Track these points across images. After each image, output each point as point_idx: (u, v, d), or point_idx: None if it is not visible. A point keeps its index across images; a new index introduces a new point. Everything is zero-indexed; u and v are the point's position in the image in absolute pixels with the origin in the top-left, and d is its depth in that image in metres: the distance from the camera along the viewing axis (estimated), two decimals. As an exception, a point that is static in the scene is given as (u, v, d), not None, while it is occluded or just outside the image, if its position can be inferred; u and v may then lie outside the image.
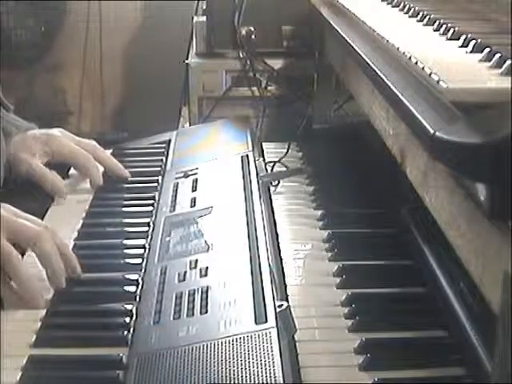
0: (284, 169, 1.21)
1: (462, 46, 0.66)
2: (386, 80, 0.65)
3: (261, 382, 0.67)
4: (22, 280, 0.85)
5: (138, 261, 0.95)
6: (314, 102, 1.39)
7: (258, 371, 0.69)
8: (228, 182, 1.12)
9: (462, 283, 0.83)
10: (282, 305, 0.77)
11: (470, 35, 0.67)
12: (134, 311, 0.84)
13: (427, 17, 0.80)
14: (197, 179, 1.16)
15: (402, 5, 0.90)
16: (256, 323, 0.76)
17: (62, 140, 1.19)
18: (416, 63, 0.60)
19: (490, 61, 0.59)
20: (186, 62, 1.55)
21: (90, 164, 1.19)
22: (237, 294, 0.81)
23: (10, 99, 1.24)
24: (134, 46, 2.65)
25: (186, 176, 1.18)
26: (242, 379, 0.68)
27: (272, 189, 1.16)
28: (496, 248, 0.45)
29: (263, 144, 1.36)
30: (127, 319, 0.83)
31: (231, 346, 0.73)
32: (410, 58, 0.62)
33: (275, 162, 1.22)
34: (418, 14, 0.83)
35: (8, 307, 0.85)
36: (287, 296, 0.86)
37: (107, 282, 0.92)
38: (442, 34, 0.73)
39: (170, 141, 1.38)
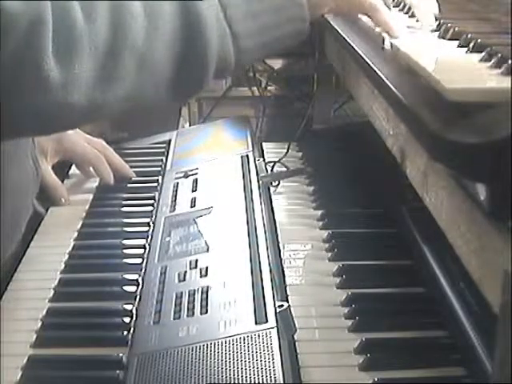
0: (284, 169, 1.21)
1: (461, 46, 0.66)
2: (385, 80, 0.65)
3: (261, 381, 0.67)
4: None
5: (138, 261, 0.95)
6: (314, 102, 1.39)
7: (258, 371, 0.69)
8: (228, 182, 1.12)
9: (461, 283, 0.83)
10: (282, 305, 0.77)
11: (469, 35, 0.67)
12: (134, 311, 0.84)
13: (427, 17, 0.80)
14: (197, 179, 1.16)
15: (401, 5, 0.89)
16: (256, 323, 0.76)
17: (74, 138, 1.19)
18: (416, 63, 0.60)
19: (490, 61, 0.59)
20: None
21: (102, 163, 1.20)
22: (237, 294, 0.81)
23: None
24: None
25: (186, 176, 1.18)
26: (241, 379, 0.68)
27: (272, 189, 1.16)
28: (496, 248, 0.45)
29: (263, 144, 1.36)
30: (127, 319, 0.83)
31: (231, 346, 0.73)
32: (410, 58, 0.62)
33: (275, 162, 1.22)
34: (418, 14, 0.83)
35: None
36: (287, 296, 0.86)
37: (107, 281, 0.92)
38: (442, 34, 0.73)
39: (170, 141, 1.38)
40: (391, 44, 0.72)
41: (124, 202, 1.14)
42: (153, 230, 1.03)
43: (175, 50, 0.66)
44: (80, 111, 0.65)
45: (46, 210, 1.13)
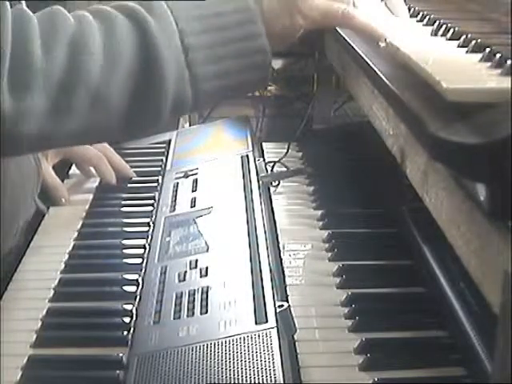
0: (284, 169, 1.21)
1: (461, 46, 0.66)
2: (385, 80, 0.65)
3: (261, 381, 0.67)
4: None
5: (138, 261, 0.95)
6: (314, 102, 1.39)
7: (258, 371, 0.69)
8: (228, 182, 1.12)
9: (461, 283, 0.83)
10: (282, 305, 0.77)
11: (469, 35, 0.67)
12: (134, 311, 0.84)
13: (427, 17, 0.80)
14: (197, 179, 1.16)
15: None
16: (256, 323, 0.76)
17: None
18: (416, 63, 0.60)
19: (490, 61, 0.59)
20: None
21: (103, 163, 1.20)
22: (237, 294, 0.81)
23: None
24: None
25: (186, 176, 1.18)
26: (242, 379, 0.68)
27: (272, 189, 1.16)
28: (496, 248, 0.45)
29: (263, 144, 1.36)
30: (127, 319, 0.83)
31: (231, 346, 0.73)
32: (410, 58, 0.62)
33: (275, 162, 1.22)
34: (418, 14, 0.83)
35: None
36: (287, 296, 0.86)
37: (107, 281, 0.92)
38: (442, 34, 0.73)
39: (170, 141, 1.38)
40: (390, 43, 0.72)
41: (124, 202, 1.14)
42: (153, 230, 1.03)
43: (131, 90, 0.67)
44: (28, 141, 0.66)
45: (48, 208, 1.13)
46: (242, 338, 0.73)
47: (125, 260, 0.97)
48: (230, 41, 0.71)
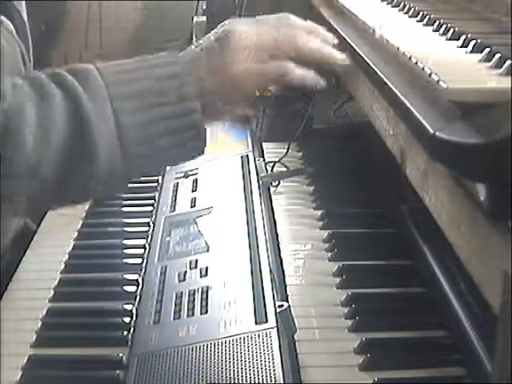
0: (284, 169, 1.21)
1: (461, 46, 0.66)
2: (386, 80, 0.65)
3: (261, 381, 0.67)
4: None
5: (138, 261, 0.95)
6: (314, 102, 1.39)
7: (258, 371, 0.69)
8: (228, 182, 1.12)
9: (461, 283, 0.83)
10: (282, 305, 0.77)
11: (469, 35, 0.67)
12: (134, 311, 0.84)
13: (427, 17, 0.80)
14: (197, 179, 1.16)
15: (401, 5, 0.89)
16: (256, 323, 0.76)
17: None
18: (416, 63, 0.60)
19: (489, 61, 0.59)
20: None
21: None
22: (237, 294, 0.81)
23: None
24: (133, 45, 2.65)
25: (186, 176, 1.18)
26: (242, 379, 0.68)
27: (272, 189, 1.16)
28: (496, 248, 0.45)
29: (263, 144, 1.36)
30: (127, 319, 0.83)
31: (231, 346, 0.73)
32: (410, 58, 0.62)
33: (275, 162, 1.22)
34: (418, 14, 0.83)
35: None
36: (287, 296, 0.86)
37: (107, 281, 0.92)
38: (442, 34, 0.73)
39: (170, 141, 1.38)
40: (391, 43, 0.72)
41: (124, 202, 1.14)
42: (153, 230, 1.03)
43: (61, 164, 0.66)
44: None
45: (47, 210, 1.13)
46: (242, 338, 0.73)
47: (125, 260, 0.97)
48: (164, 118, 0.70)
